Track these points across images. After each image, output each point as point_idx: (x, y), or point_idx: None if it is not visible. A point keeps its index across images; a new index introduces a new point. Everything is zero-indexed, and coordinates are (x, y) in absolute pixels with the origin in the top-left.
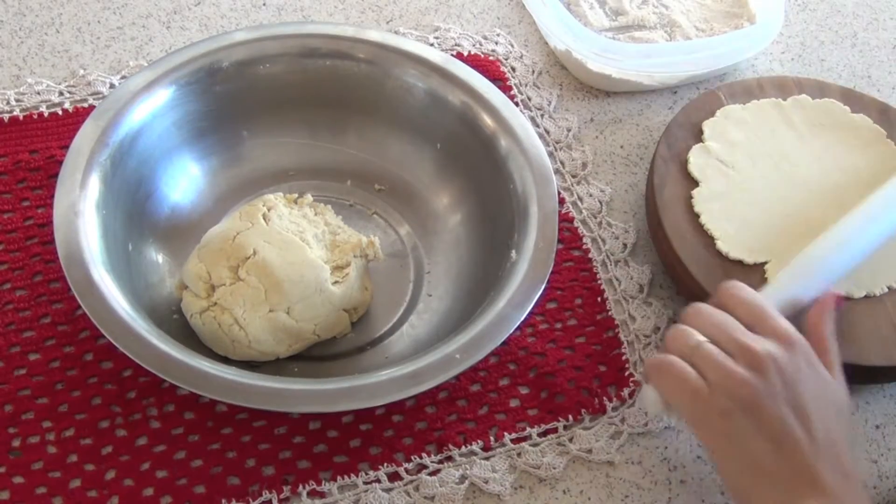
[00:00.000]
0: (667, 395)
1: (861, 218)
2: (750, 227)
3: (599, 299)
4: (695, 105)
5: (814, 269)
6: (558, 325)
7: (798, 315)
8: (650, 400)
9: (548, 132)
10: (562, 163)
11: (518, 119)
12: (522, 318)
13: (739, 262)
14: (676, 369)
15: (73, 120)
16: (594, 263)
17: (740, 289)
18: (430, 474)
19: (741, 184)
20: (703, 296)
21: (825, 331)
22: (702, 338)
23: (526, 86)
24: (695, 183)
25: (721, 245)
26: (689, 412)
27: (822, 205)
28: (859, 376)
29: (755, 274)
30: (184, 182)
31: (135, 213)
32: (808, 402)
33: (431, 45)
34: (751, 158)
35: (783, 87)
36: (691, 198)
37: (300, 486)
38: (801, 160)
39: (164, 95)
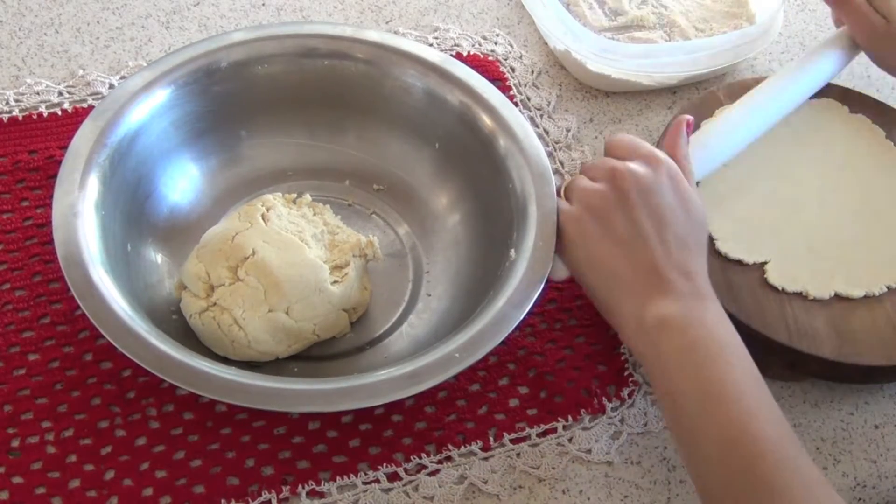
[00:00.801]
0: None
1: (747, 106)
2: (749, 226)
3: None
4: (694, 105)
5: (701, 151)
6: (557, 325)
7: None
8: (554, 266)
9: (547, 132)
10: (561, 163)
11: (517, 119)
12: (521, 318)
13: (739, 262)
14: (558, 205)
15: (72, 120)
16: None
17: (621, 134)
18: (430, 474)
19: (739, 183)
20: None
21: (681, 149)
22: (581, 177)
23: (525, 86)
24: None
25: (720, 245)
26: (560, 236)
27: (820, 205)
28: (859, 376)
29: (755, 273)
30: (183, 182)
31: (134, 213)
32: (665, 211)
33: (431, 45)
34: (749, 158)
35: None
36: None
37: (299, 487)
38: (800, 160)
39: (162, 96)
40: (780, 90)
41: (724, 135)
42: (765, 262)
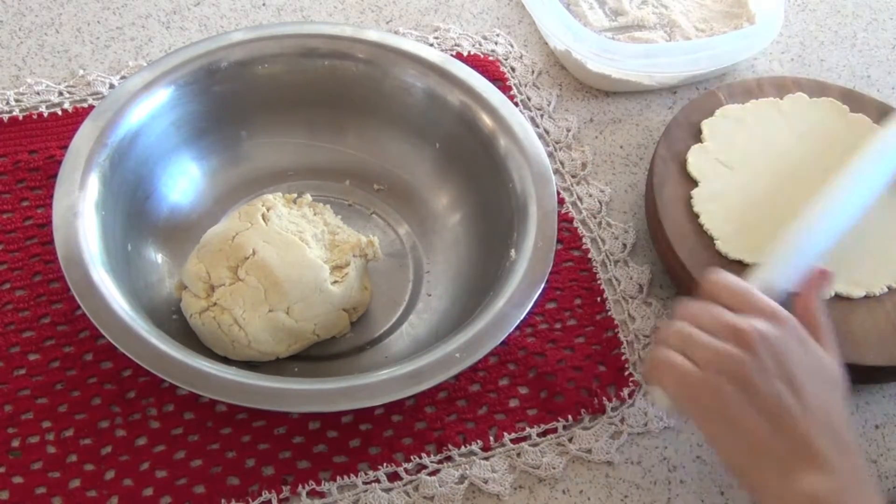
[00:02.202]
0: (663, 387)
1: (832, 200)
2: (749, 227)
3: (599, 299)
4: (694, 105)
5: (790, 255)
6: (558, 325)
7: (783, 301)
8: (658, 396)
9: (547, 132)
10: (561, 163)
11: (517, 119)
12: (522, 318)
13: (739, 262)
14: (667, 359)
15: (72, 120)
16: (594, 263)
17: (724, 276)
18: (430, 474)
19: (740, 184)
20: None
21: (814, 306)
22: (691, 327)
23: (525, 86)
24: (694, 183)
25: (720, 245)
26: (683, 398)
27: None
28: (859, 376)
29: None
30: (183, 182)
31: (134, 213)
32: (801, 376)
33: (431, 45)
34: (750, 158)
35: (783, 88)
36: (691, 198)
37: (300, 486)
38: (800, 160)
39: (163, 96)
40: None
41: (821, 230)
42: None
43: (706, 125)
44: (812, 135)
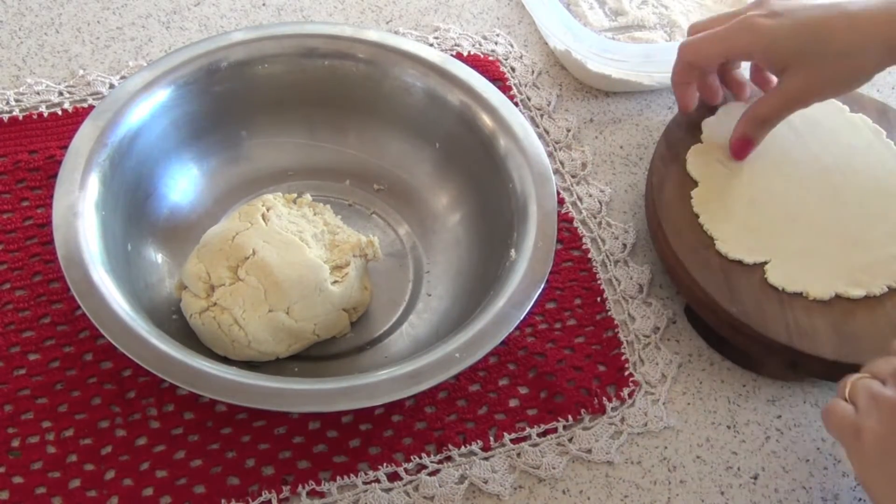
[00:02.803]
0: (829, 432)
1: None
2: (749, 227)
3: (599, 299)
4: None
5: None
6: (558, 325)
7: None
8: None
9: (547, 132)
10: (561, 163)
11: (517, 119)
12: (522, 318)
13: (739, 262)
14: (832, 405)
15: (72, 120)
16: (594, 263)
17: None
18: (430, 474)
19: (739, 184)
20: (702, 296)
21: None
22: (864, 375)
23: (525, 86)
24: (694, 183)
25: (720, 246)
26: (842, 442)
27: (820, 205)
28: None
29: (755, 274)
30: (183, 182)
31: (134, 213)
32: None
33: (431, 45)
34: (749, 158)
35: None
36: (691, 198)
37: (300, 486)
38: (800, 160)
39: (162, 95)
40: None
41: None
42: (765, 262)
43: (706, 124)
44: (812, 135)
